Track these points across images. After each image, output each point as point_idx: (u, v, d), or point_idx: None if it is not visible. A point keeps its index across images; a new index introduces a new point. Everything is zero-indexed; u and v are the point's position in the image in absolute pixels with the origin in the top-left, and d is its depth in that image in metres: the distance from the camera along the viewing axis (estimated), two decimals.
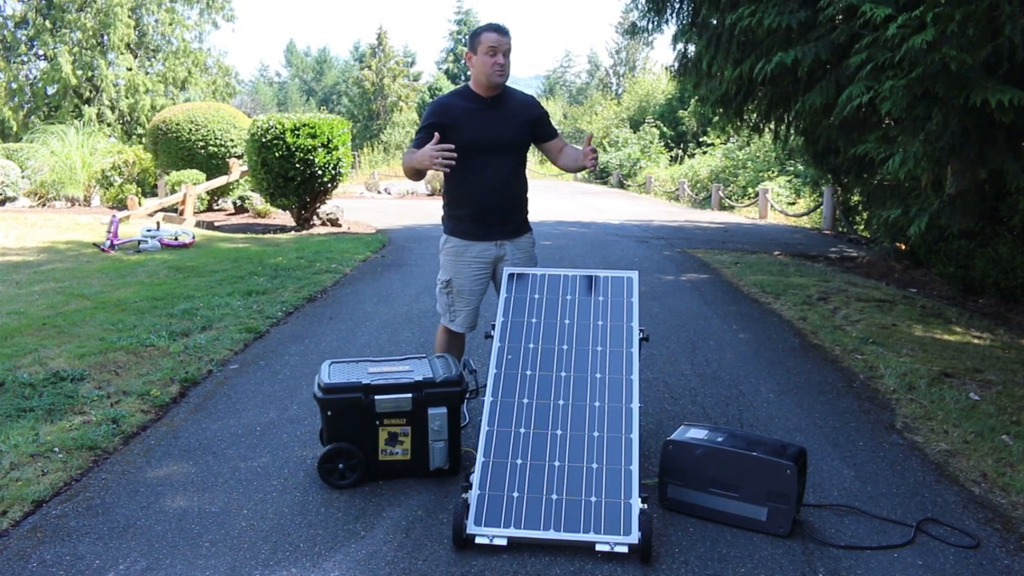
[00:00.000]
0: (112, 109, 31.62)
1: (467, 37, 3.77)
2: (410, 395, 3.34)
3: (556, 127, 4.00)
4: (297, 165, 12.19)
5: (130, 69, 32.10)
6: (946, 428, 4.10)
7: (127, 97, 31.76)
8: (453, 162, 3.52)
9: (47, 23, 30.74)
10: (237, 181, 15.76)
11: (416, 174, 3.75)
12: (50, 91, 31.67)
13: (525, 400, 3.21)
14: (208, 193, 15.67)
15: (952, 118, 6.47)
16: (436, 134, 3.57)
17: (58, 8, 30.73)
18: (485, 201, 3.75)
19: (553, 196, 21.93)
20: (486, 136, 3.69)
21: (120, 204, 15.78)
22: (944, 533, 3.03)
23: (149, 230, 10.69)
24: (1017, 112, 5.83)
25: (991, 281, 7.91)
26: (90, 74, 31.16)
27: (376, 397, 3.32)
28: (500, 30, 3.67)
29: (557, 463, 3.02)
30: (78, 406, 4.22)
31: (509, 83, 3.80)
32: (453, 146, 3.52)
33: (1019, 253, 7.66)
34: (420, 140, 3.70)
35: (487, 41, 3.63)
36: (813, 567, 2.77)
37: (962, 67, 5.69)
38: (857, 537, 2.99)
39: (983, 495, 3.37)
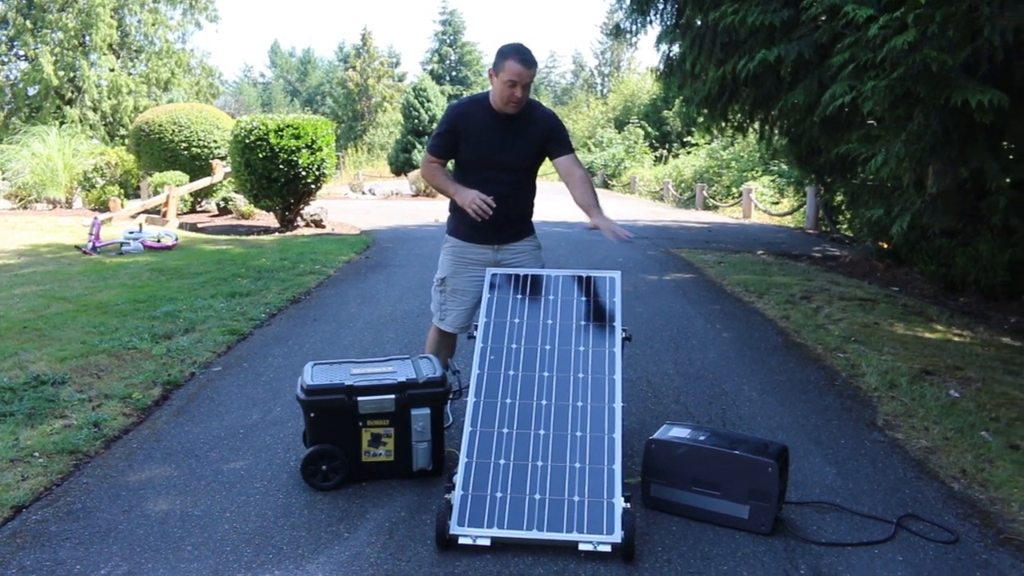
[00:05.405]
0: (94, 110, 31.43)
1: (495, 54, 3.68)
2: (393, 396, 3.33)
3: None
4: (281, 166, 12.16)
5: (112, 70, 31.92)
6: (926, 425, 4.14)
7: (109, 98, 31.58)
8: (488, 216, 3.59)
9: (28, 23, 30.52)
10: (220, 182, 15.70)
11: (437, 189, 3.86)
12: (31, 92, 31.47)
13: (508, 400, 3.22)
14: (191, 194, 15.60)
15: (933, 118, 6.52)
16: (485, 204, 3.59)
17: (39, 8, 30.50)
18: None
19: (537, 196, 21.89)
20: (495, 154, 3.68)
21: (102, 206, 15.67)
22: (924, 529, 3.05)
23: (131, 232, 10.63)
24: (997, 112, 5.88)
25: (971, 279, 7.98)
26: (72, 75, 30.96)
27: (359, 398, 3.31)
28: (527, 61, 3.52)
29: (540, 463, 3.02)
30: (59, 410, 4.19)
31: None
32: (494, 202, 3.58)
33: (999, 252, 7.73)
34: (437, 147, 3.76)
35: (510, 71, 3.50)
36: (795, 564, 2.79)
37: (943, 68, 5.74)
38: (838, 534, 3.01)
39: (962, 491, 3.40)
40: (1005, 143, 7.80)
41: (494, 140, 3.67)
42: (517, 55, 3.53)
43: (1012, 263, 7.66)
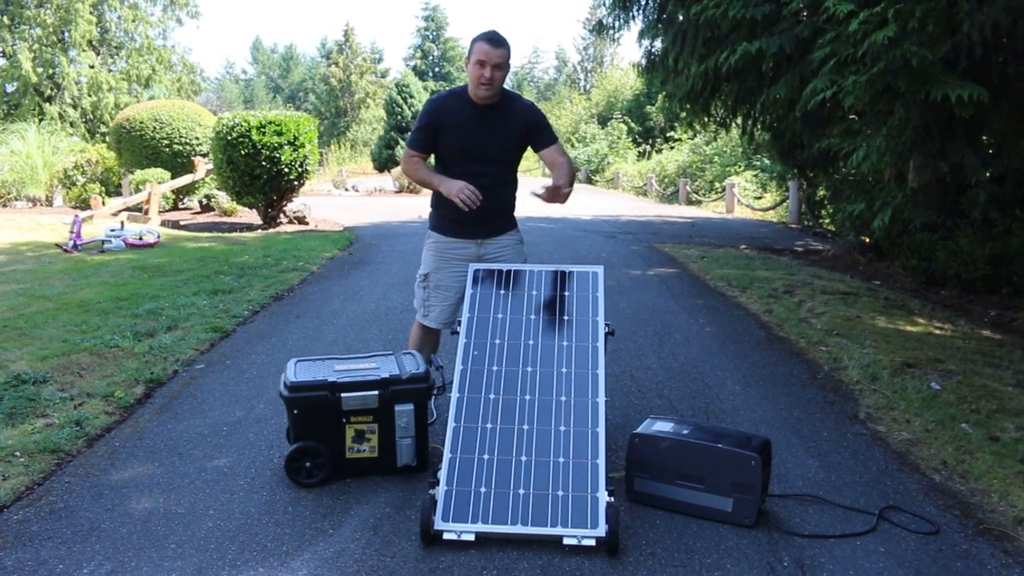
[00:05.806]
0: (74, 107, 31.11)
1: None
2: (376, 392, 3.33)
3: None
4: (263, 163, 12.10)
5: (92, 66, 31.59)
6: (908, 417, 4.17)
7: (90, 95, 31.26)
8: (476, 206, 3.56)
9: (5, 19, 30.14)
10: (203, 179, 15.59)
11: (420, 183, 3.82)
12: (9, 89, 31.08)
13: (492, 396, 3.22)
14: (173, 192, 15.48)
15: (914, 113, 6.57)
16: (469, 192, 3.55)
17: (16, 4, 30.14)
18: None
19: (520, 191, 21.91)
20: (475, 146, 3.67)
21: (83, 204, 15.52)
22: (905, 520, 3.08)
23: (113, 230, 10.54)
24: (976, 107, 5.94)
25: (952, 273, 8.05)
26: (51, 71, 30.62)
27: (342, 395, 3.31)
28: (493, 41, 3.56)
29: (524, 458, 3.03)
30: (40, 409, 4.16)
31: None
32: (479, 194, 3.55)
33: (979, 245, 7.79)
34: (417, 141, 3.75)
35: (477, 52, 3.54)
36: (778, 556, 2.81)
37: (923, 63, 5.78)
38: (821, 526, 3.03)
39: (943, 482, 3.44)
40: (984, 137, 7.87)
41: (474, 131, 3.67)
42: (484, 36, 3.59)
43: (992, 257, 7.73)
